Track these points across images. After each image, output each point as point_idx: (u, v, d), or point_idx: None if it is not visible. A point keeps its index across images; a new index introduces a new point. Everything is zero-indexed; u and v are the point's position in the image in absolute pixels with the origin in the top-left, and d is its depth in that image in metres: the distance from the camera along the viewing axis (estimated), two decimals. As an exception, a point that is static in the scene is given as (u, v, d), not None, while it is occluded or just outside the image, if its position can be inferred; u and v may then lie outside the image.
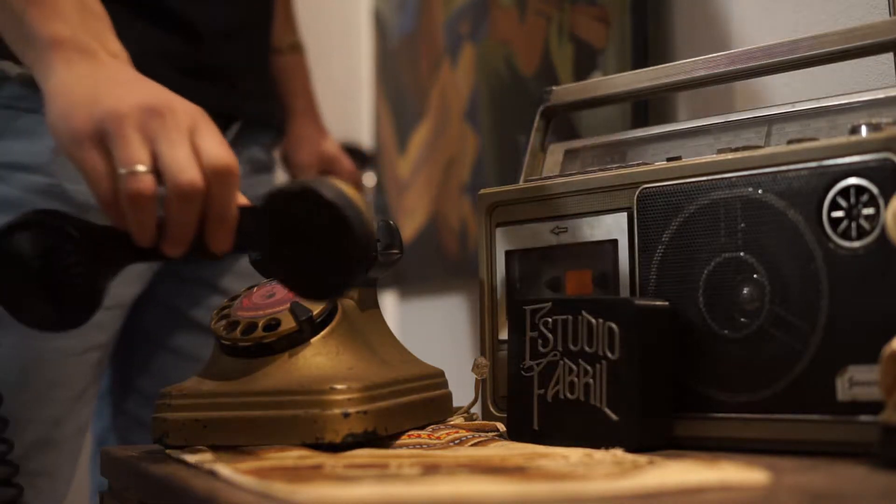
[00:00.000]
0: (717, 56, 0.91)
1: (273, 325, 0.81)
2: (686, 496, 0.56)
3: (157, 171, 0.71)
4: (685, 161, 0.83)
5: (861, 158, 0.72)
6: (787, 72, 0.90)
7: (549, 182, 0.91)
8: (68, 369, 1.13)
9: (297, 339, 0.80)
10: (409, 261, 1.69)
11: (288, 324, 0.80)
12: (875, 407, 0.68)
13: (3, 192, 1.09)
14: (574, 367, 0.79)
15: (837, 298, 0.73)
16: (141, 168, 0.70)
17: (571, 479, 0.59)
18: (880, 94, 0.81)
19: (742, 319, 0.77)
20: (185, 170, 0.70)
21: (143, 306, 1.22)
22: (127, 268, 1.16)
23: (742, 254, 0.77)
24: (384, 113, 1.97)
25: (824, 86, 1.03)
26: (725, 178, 0.78)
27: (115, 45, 0.78)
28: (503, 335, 0.91)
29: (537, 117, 1.02)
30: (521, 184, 0.96)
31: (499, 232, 0.93)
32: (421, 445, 0.81)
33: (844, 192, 0.73)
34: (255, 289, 0.87)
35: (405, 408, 0.83)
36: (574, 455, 0.71)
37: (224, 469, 0.64)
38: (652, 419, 0.78)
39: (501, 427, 0.87)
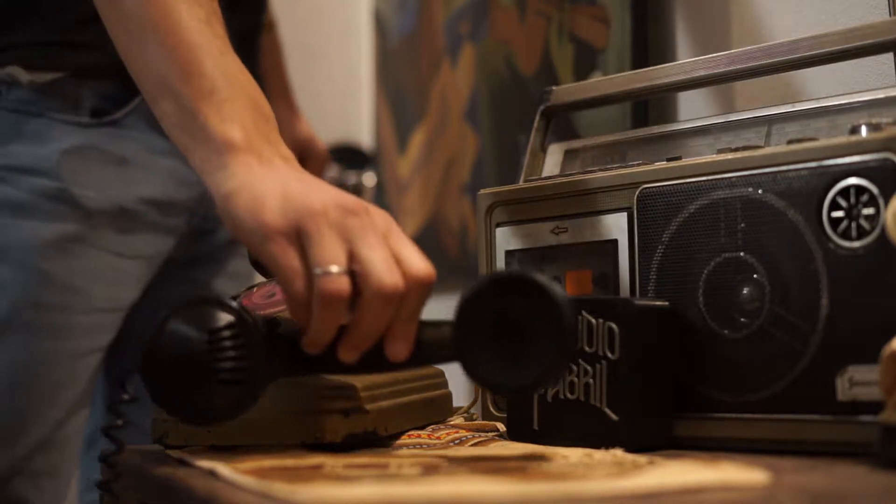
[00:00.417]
0: (717, 56, 0.91)
1: (273, 324, 0.80)
2: (686, 496, 0.56)
3: (351, 272, 0.69)
4: (685, 161, 0.83)
5: (861, 158, 0.72)
6: (787, 72, 0.90)
7: (549, 182, 0.91)
8: (74, 371, 1.14)
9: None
10: (409, 261, 1.69)
11: (288, 324, 0.80)
12: (875, 407, 0.68)
13: (11, 195, 1.10)
14: (574, 367, 0.79)
15: (837, 298, 0.73)
16: (336, 269, 0.69)
17: (571, 479, 0.59)
18: (880, 94, 0.81)
19: (742, 319, 0.77)
20: (390, 273, 0.69)
21: (137, 307, 1.22)
22: (129, 271, 1.17)
23: (742, 254, 0.77)
24: (384, 113, 1.97)
25: (824, 86, 1.03)
26: (725, 178, 0.78)
27: (285, 149, 0.77)
28: (503, 335, 0.91)
29: (537, 117, 1.02)
30: (521, 184, 0.96)
31: (499, 232, 0.93)
32: (421, 445, 0.81)
33: (844, 192, 0.73)
34: (255, 289, 0.87)
35: (405, 408, 0.83)
36: (574, 455, 0.71)
37: (224, 469, 0.64)
38: (652, 419, 0.78)
39: (501, 427, 0.87)
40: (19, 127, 1.11)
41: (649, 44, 1.25)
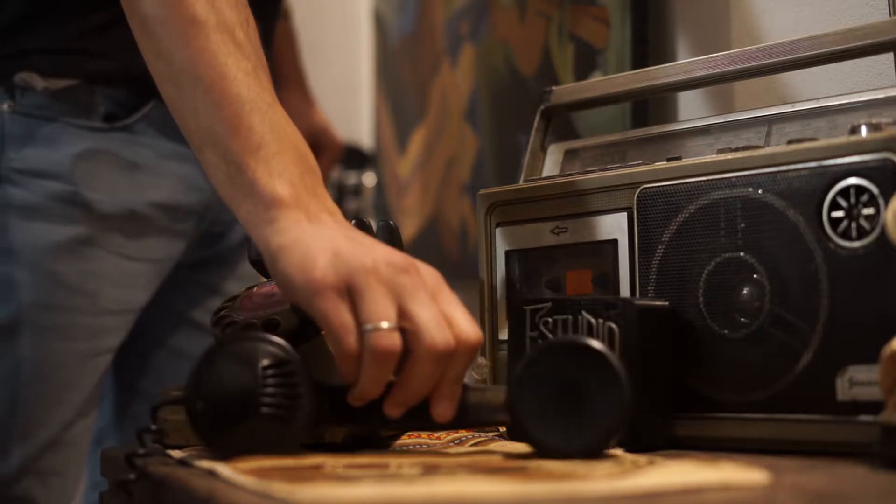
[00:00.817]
0: (717, 56, 0.91)
1: (273, 325, 0.81)
2: (686, 496, 0.56)
3: (401, 328, 0.70)
4: (685, 161, 0.83)
5: (861, 158, 0.72)
6: (787, 72, 0.90)
7: (549, 182, 0.91)
8: (82, 372, 1.15)
9: (297, 339, 0.80)
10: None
11: (288, 324, 0.80)
12: (875, 407, 0.68)
13: (25, 198, 1.12)
14: (574, 367, 0.79)
15: (837, 298, 0.73)
16: (388, 325, 0.69)
17: (571, 479, 0.59)
18: (880, 94, 0.81)
19: (742, 319, 0.77)
20: (441, 332, 0.70)
21: (146, 309, 1.22)
22: (138, 275, 1.17)
23: (742, 254, 0.77)
24: (384, 113, 1.97)
25: (824, 86, 1.03)
26: (725, 178, 0.78)
27: (331, 203, 0.77)
28: (503, 335, 0.91)
29: (537, 117, 1.02)
30: (521, 184, 0.96)
31: (499, 232, 0.93)
32: (421, 445, 0.81)
33: (844, 192, 0.73)
34: (254, 289, 0.86)
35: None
36: (574, 455, 0.71)
37: (224, 469, 0.64)
38: (652, 419, 0.78)
39: (501, 427, 0.87)
40: (33, 131, 1.13)
41: (649, 44, 1.25)
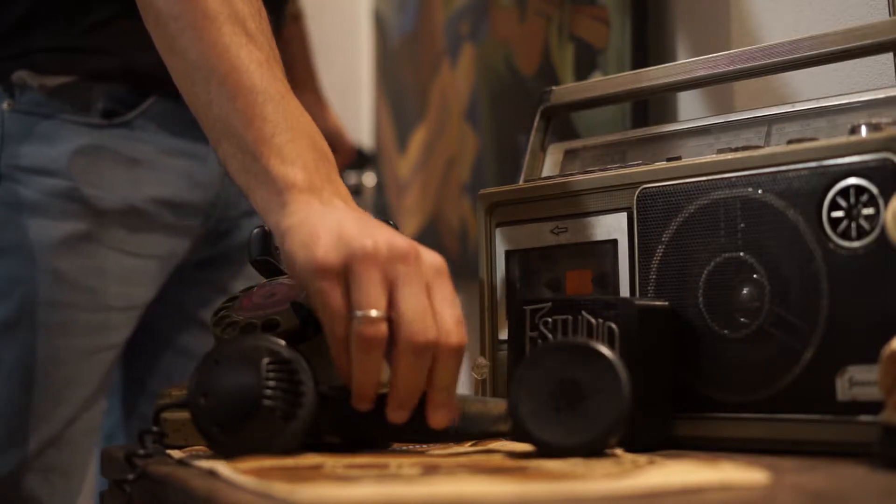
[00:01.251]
0: (717, 56, 0.91)
1: (273, 325, 0.80)
2: (686, 496, 0.56)
3: (390, 318, 0.70)
4: (685, 161, 0.83)
5: (861, 158, 0.72)
6: (787, 72, 0.90)
7: (549, 182, 0.91)
8: (84, 369, 1.15)
9: (297, 339, 0.80)
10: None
11: (288, 324, 0.80)
12: (875, 407, 0.68)
13: (24, 195, 1.12)
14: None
15: (837, 298, 0.73)
16: (375, 313, 0.69)
17: (571, 479, 0.59)
18: (880, 94, 0.81)
19: (742, 319, 0.77)
20: (422, 324, 0.70)
21: (153, 307, 1.22)
22: (141, 271, 1.17)
23: (742, 254, 0.77)
24: (384, 113, 1.97)
25: (824, 86, 1.03)
26: (725, 178, 0.78)
27: (343, 188, 0.78)
28: (503, 335, 0.91)
29: (537, 117, 1.02)
30: (521, 184, 0.96)
31: (499, 232, 0.93)
32: (421, 445, 0.81)
33: (844, 192, 0.73)
34: (254, 289, 0.86)
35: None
36: (574, 455, 0.71)
37: (224, 469, 0.64)
38: (652, 419, 0.78)
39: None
40: (32, 129, 1.13)
41: (649, 44, 1.25)
